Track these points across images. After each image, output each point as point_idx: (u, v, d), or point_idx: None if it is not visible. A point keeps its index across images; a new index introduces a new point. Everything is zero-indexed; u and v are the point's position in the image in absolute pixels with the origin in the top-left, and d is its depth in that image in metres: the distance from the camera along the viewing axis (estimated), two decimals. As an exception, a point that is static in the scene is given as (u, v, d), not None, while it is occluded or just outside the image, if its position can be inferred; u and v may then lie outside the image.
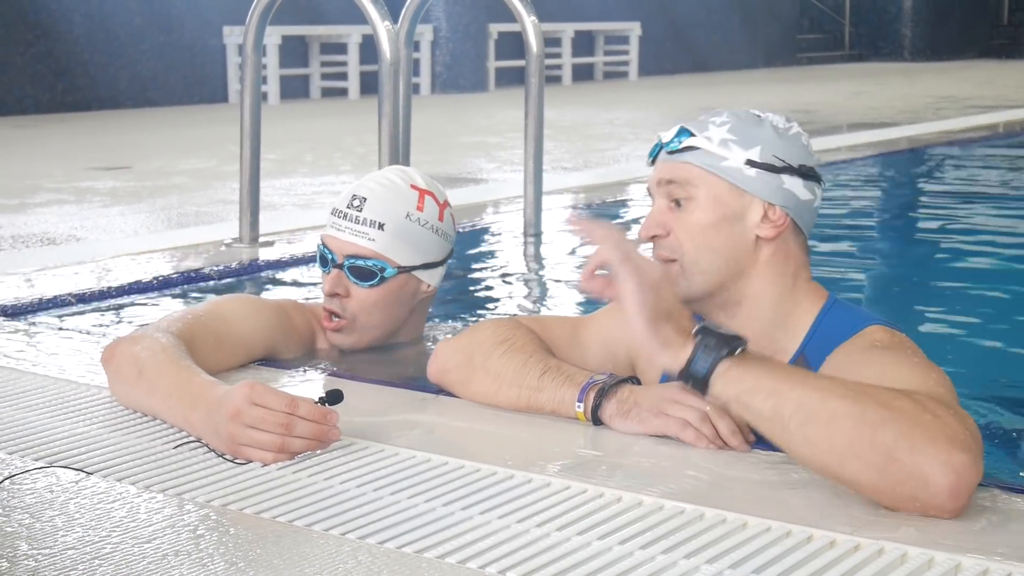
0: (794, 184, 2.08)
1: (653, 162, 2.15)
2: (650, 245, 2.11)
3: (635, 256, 1.89)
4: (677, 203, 2.09)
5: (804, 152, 2.11)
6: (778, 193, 2.07)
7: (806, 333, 2.08)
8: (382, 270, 2.61)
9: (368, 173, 2.74)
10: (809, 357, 2.04)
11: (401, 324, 2.72)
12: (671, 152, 2.10)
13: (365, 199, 2.61)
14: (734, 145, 2.07)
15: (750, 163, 2.06)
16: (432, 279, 2.70)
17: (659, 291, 1.87)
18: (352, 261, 2.61)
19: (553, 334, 2.31)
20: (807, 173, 2.09)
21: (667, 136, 2.13)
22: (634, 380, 2.15)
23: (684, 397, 2.01)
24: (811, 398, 1.74)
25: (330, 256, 2.64)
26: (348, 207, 2.62)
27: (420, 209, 2.64)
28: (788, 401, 1.75)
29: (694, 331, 1.84)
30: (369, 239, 2.60)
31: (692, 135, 2.09)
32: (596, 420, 2.11)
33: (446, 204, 2.70)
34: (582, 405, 2.12)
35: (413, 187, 2.65)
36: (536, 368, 2.19)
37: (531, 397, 2.18)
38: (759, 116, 2.12)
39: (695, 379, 1.82)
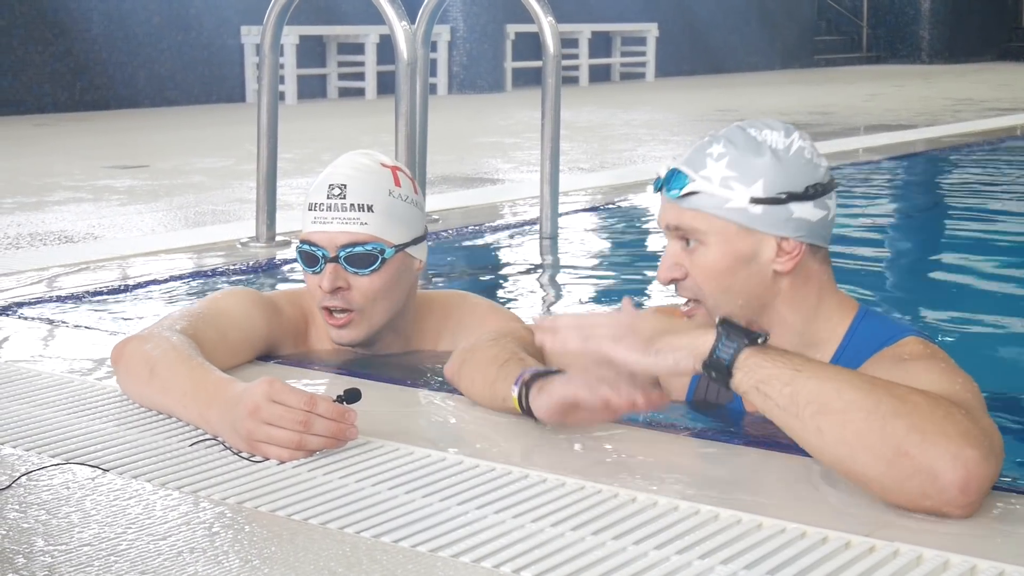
0: (804, 210, 2.00)
1: (658, 191, 2.08)
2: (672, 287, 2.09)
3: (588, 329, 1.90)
4: (688, 242, 2.04)
5: (809, 169, 2.00)
6: (789, 224, 1.99)
7: (838, 345, 2.06)
8: (381, 252, 2.51)
9: (327, 164, 2.64)
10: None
11: (402, 307, 2.62)
12: (673, 197, 2.03)
13: (345, 185, 2.51)
14: (735, 183, 1.99)
15: (755, 200, 1.98)
16: (421, 254, 2.61)
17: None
18: (348, 250, 2.51)
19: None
20: (816, 192, 2.00)
21: (663, 174, 2.05)
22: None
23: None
24: (826, 388, 1.74)
25: (320, 252, 2.53)
26: (329, 197, 2.52)
27: (398, 184, 2.55)
28: (804, 390, 1.75)
29: (716, 322, 1.84)
30: (361, 223, 2.50)
31: (691, 179, 2.01)
32: (527, 410, 2.09)
33: (412, 177, 2.64)
34: (516, 389, 2.10)
35: (383, 165, 2.57)
36: (503, 367, 2.17)
37: (493, 389, 2.18)
38: (756, 140, 2.00)
39: (718, 367, 1.81)
